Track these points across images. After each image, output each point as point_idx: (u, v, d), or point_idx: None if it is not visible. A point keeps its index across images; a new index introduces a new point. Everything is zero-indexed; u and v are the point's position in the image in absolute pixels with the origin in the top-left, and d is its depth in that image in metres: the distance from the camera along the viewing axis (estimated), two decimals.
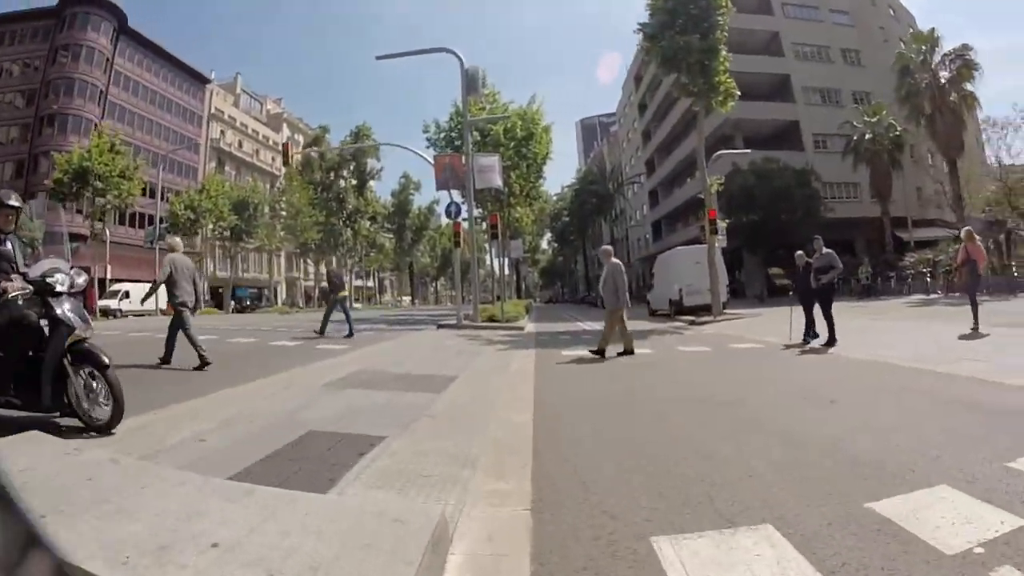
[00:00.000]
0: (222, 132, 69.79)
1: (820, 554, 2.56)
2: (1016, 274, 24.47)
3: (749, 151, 37.86)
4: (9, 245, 4.92)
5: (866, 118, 38.56)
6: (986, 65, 37.92)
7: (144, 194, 46.62)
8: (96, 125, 47.71)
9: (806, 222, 35.12)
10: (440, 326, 20.69)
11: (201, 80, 67.48)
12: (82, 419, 4.78)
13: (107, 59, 54.04)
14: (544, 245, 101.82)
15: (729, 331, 16.10)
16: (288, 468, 3.92)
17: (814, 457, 4.10)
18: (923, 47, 34.82)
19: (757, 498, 3.30)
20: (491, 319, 21.83)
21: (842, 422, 5.11)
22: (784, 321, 12.88)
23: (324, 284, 24.56)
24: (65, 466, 3.42)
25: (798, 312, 12.08)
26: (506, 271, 39.71)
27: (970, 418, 5.05)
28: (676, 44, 20.96)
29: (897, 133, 37.34)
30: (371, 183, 71.69)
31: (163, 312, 13.74)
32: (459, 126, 27.89)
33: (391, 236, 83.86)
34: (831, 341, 11.03)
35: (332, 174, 66.74)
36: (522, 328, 20.09)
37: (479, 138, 30.35)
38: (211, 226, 52.96)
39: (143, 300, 10.77)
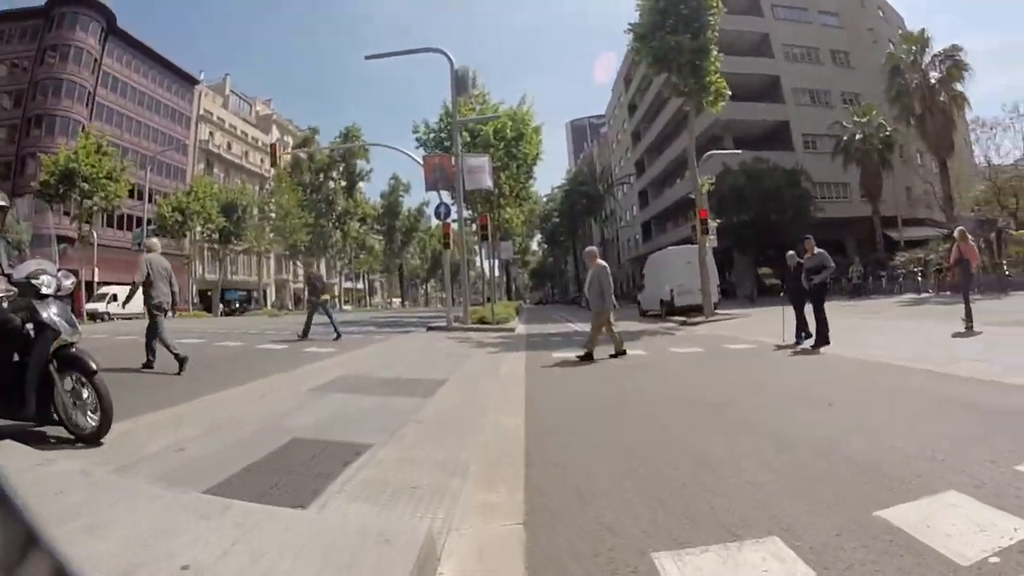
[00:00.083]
0: (211, 133, 69.41)
1: (833, 569, 2.43)
2: (1007, 273, 24.56)
3: (739, 151, 37.87)
4: None
5: (856, 118, 38.74)
6: (977, 66, 38.06)
7: (132, 196, 46.28)
8: (84, 126, 47.33)
9: (796, 222, 35.18)
10: (430, 328, 20.56)
11: (190, 81, 67.09)
12: (68, 428, 4.59)
13: (95, 59, 53.64)
14: (534, 246, 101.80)
15: (721, 331, 16.03)
16: (269, 479, 3.76)
17: (815, 462, 3.98)
18: (913, 48, 35.01)
19: (761, 507, 3.16)
20: (481, 321, 21.74)
21: (841, 425, 5.00)
22: (775, 321, 12.82)
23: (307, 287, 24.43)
24: (35, 479, 3.28)
25: (790, 312, 12.01)
26: (496, 272, 39.54)
27: (971, 419, 4.96)
28: (667, 44, 20.92)
29: (887, 133, 37.53)
30: (360, 184, 71.60)
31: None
32: (449, 126, 27.67)
33: (381, 238, 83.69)
34: (824, 341, 10.99)
35: (321, 175, 66.63)
36: (512, 330, 20.00)
37: (469, 139, 30.19)
38: (199, 228, 52.58)
39: (124, 303, 10.58)
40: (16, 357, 4.57)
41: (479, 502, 3.45)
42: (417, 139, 33.75)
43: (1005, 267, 25.02)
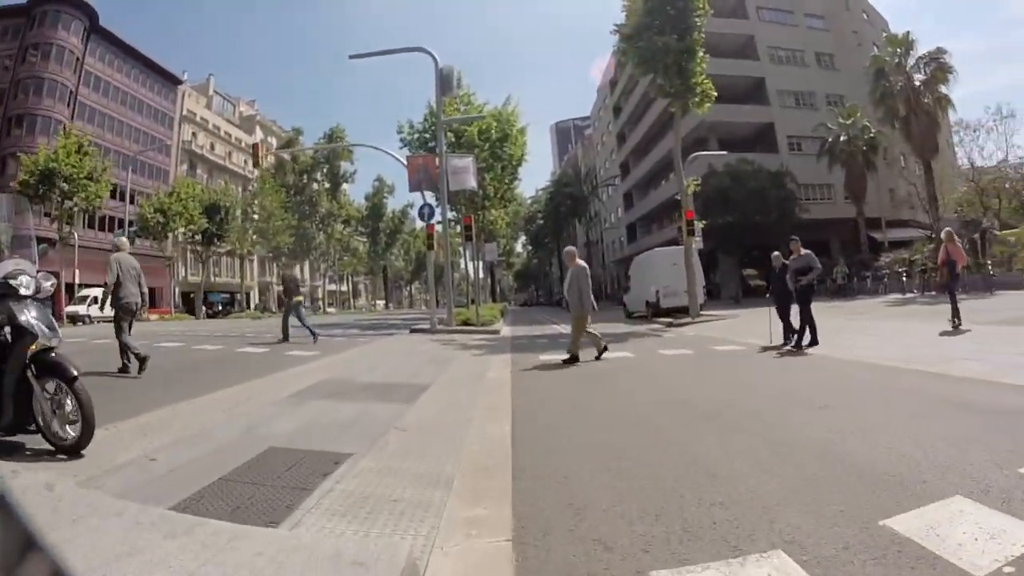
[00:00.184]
0: (194, 134, 68.70)
1: None
2: (992, 273, 24.72)
3: (724, 152, 37.97)
4: None
5: (841, 120, 38.93)
6: (961, 68, 38.41)
7: (114, 197, 45.67)
8: (65, 126, 46.59)
9: (781, 223, 35.30)
10: (413, 330, 20.40)
11: (173, 81, 66.31)
12: (47, 438, 4.33)
13: (77, 59, 52.84)
14: (519, 248, 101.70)
15: (709, 333, 15.97)
16: (243, 492, 3.56)
17: (815, 468, 3.84)
18: (898, 50, 35.13)
19: (762, 518, 3.00)
20: (466, 323, 21.62)
21: (837, 428, 4.87)
22: (762, 322, 12.78)
23: (280, 288, 24.17)
24: None
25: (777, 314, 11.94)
26: (481, 274, 39.37)
27: (966, 419, 4.89)
28: (654, 45, 20.91)
29: (871, 135, 37.73)
30: (344, 186, 71.19)
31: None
32: (433, 126, 27.47)
33: (365, 240, 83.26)
34: (813, 342, 10.96)
35: (305, 177, 66.18)
36: (497, 332, 19.87)
37: (454, 139, 29.99)
38: (182, 229, 51.98)
39: (101, 307, 10.34)
40: None
41: (464, 517, 3.26)
42: (401, 139, 33.62)
43: (990, 267, 25.19)
